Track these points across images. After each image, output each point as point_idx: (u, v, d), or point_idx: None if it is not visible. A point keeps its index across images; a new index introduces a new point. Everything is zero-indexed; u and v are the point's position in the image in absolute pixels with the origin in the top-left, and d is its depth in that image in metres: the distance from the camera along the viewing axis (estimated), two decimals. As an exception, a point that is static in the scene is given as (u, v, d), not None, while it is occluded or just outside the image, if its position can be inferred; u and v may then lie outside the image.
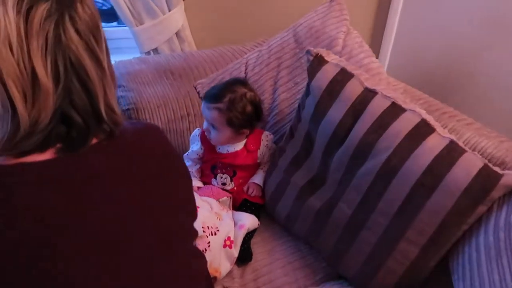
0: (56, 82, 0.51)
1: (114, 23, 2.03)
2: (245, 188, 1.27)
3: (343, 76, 1.04)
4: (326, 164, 1.08)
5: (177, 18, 1.69)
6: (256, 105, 1.19)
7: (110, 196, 0.56)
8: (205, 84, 1.43)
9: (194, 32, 1.78)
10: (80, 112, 0.55)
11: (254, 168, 1.29)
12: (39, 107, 0.50)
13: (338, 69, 1.05)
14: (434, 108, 1.13)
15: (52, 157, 0.53)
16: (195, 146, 1.28)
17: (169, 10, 1.66)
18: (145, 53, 1.70)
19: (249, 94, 1.18)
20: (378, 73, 1.21)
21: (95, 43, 0.54)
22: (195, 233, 0.75)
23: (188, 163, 1.30)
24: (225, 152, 1.24)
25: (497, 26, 1.51)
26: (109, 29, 1.98)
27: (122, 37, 1.89)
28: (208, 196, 1.22)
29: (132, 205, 0.58)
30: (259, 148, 1.26)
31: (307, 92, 1.11)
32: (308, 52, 1.10)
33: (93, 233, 0.52)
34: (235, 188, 1.27)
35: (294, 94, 1.32)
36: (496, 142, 0.97)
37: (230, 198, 1.25)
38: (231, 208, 1.25)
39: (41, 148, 0.52)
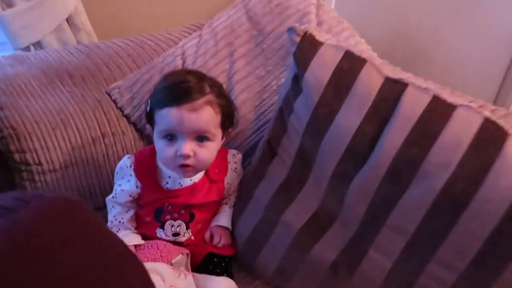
0: None
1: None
2: (207, 235, 0.87)
3: (352, 63, 0.70)
4: (337, 194, 0.73)
5: (66, -3, 1.19)
6: None
7: None
8: (124, 88, 0.98)
9: (93, 19, 1.29)
10: None
11: (216, 205, 0.89)
12: None
13: (341, 53, 0.71)
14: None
15: None
16: (127, 184, 0.83)
17: (53, -14, 1.15)
18: (22, 49, 1.17)
19: (217, 80, 0.82)
20: (370, 57, 0.90)
21: None
22: None
23: (114, 210, 0.85)
24: (178, 186, 0.82)
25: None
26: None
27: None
28: (155, 260, 0.79)
29: None
30: (225, 175, 0.87)
31: (295, 89, 0.75)
32: (291, 30, 0.73)
33: None
34: (193, 237, 0.86)
35: (259, 92, 0.95)
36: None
37: (187, 254, 0.84)
38: (190, 269, 0.84)
39: None
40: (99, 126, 0.94)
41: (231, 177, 0.87)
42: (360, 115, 0.67)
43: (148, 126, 0.81)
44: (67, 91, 0.94)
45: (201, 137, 0.75)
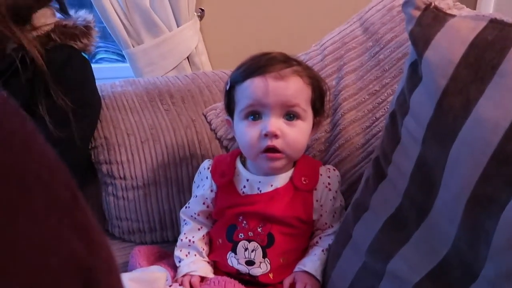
0: None
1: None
2: (286, 282, 0.66)
3: (501, 33, 0.47)
4: (477, 231, 0.46)
5: (189, 37, 1.24)
6: None
7: None
8: (221, 109, 0.91)
9: (213, 58, 1.32)
10: None
11: (305, 235, 0.69)
12: None
13: (483, 23, 0.49)
14: None
15: None
16: (201, 189, 0.72)
17: (178, 26, 1.22)
18: (145, 84, 1.23)
19: None
20: None
21: None
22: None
23: (186, 227, 0.73)
24: (256, 192, 0.67)
25: None
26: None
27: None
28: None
29: None
30: (315, 187, 0.67)
31: (412, 80, 0.54)
32: (408, 3, 0.55)
33: None
34: (272, 275, 0.66)
35: (372, 111, 0.76)
36: None
37: (260, 304, 0.64)
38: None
39: None
40: (188, 146, 0.87)
41: (322, 193, 0.68)
42: (515, 103, 0.43)
43: (227, 118, 0.70)
44: (164, 109, 0.90)
45: (291, 114, 0.63)
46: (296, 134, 0.63)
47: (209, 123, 0.90)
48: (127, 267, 0.73)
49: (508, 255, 0.43)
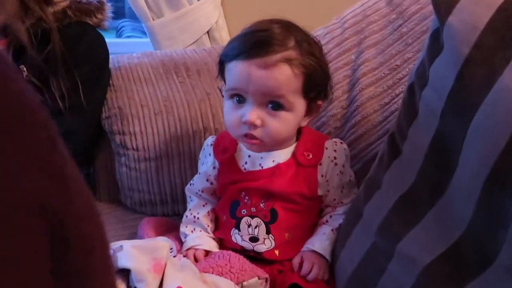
0: None
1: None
2: (295, 261, 0.65)
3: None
4: (496, 213, 0.43)
5: (210, 11, 1.22)
6: None
7: None
8: (236, 83, 0.89)
9: (233, 33, 1.29)
10: None
11: (310, 211, 0.67)
12: None
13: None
14: None
15: None
16: (204, 166, 0.71)
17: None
18: (164, 58, 1.22)
19: (314, 38, 0.65)
20: None
21: None
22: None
23: (192, 203, 0.72)
24: (258, 168, 0.65)
25: None
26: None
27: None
28: (221, 274, 0.61)
29: None
30: (319, 162, 0.65)
31: (433, 49, 0.50)
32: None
33: None
34: (277, 252, 0.65)
35: (391, 87, 0.72)
36: None
37: (266, 280, 0.63)
38: (267, 302, 0.62)
39: None
40: (202, 119, 0.85)
41: (327, 168, 0.65)
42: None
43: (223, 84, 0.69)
44: (179, 81, 0.89)
45: (275, 104, 0.59)
46: (279, 125, 0.60)
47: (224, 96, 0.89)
48: (135, 238, 0.73)
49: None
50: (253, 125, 0.59)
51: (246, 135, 0.61)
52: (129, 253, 0.53)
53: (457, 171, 0.47)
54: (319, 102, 0.66)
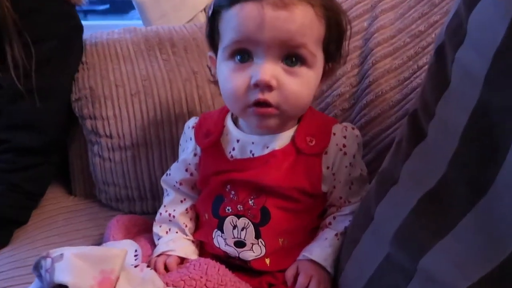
0: None
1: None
2: (289, 273, 0.52)
3: None
4: None
5: (206, -14, 1.10)
6: None
7: None
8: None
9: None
10: None
11: (311, 211, 0.54)
12: None
13: None
14: None
15: None
16: (183, 153, 0.58)
17: (193, -28, 1.07)
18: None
19: None
20: None
21: None
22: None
23: (167, 198, 0.60)
24: (247, 155, 0.52)
25: None
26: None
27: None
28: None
29: None
30: (325, 151, 0.51)
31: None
32: None
33: None
34: (268, 262, 0.52)
35: (413, 57, 0.58)
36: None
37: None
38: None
39: None
40: (186, 102, 0.73)
41: (335, 159, 0.52)
42: None
43: (211, 54, 0.55)
44: (162, 58, 0.77)
45: (293, 58, 0.46)
46: (298, 85, 0.47)
47: (214, 76, 0.76)
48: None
49: None
50: (267, 87, 0.45)
51: (257, 104, 0.47)
52: (70, 264, 0.42)
53: (507, 162, 0.33)
54: (334, 66, 0.52)
